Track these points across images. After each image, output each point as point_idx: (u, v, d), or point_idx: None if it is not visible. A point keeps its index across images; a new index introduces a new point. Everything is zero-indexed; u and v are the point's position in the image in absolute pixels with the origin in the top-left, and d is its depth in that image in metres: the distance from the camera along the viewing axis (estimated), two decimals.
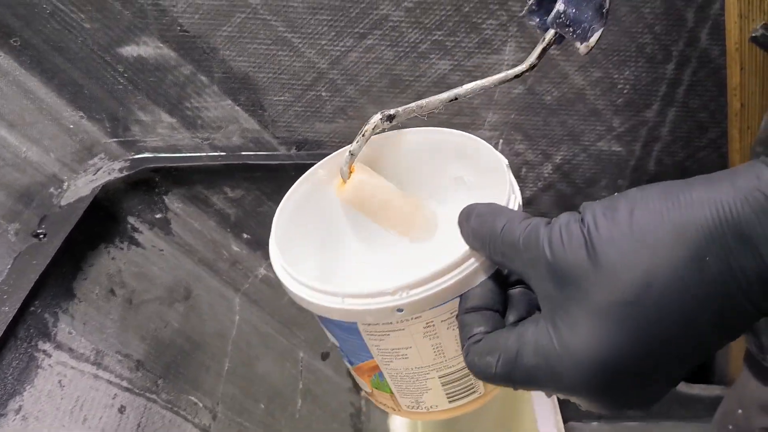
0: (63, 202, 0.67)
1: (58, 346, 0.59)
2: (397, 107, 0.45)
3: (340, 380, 0.93)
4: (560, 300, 0.30)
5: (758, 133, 0.62)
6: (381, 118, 0.45)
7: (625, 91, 0.74)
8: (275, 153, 0.75)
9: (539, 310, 0.32)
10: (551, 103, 0.74)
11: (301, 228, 0.50)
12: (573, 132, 0.76)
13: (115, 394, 0.61)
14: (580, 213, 0.30)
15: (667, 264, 0.27)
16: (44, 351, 0.58)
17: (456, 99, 0.44)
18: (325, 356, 0.92)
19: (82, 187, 0.69)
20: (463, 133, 0.49)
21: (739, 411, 0.65)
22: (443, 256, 0.37)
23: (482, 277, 0.38)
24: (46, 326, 0.59)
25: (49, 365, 0.57)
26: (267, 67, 0.70)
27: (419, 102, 0.45)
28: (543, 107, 0.74)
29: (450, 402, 0.45)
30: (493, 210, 0.35)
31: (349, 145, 0.46)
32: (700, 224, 0.26)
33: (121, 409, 0.61)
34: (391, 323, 0.39)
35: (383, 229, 0.50)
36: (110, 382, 0.62)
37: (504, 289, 0.38)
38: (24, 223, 0.62)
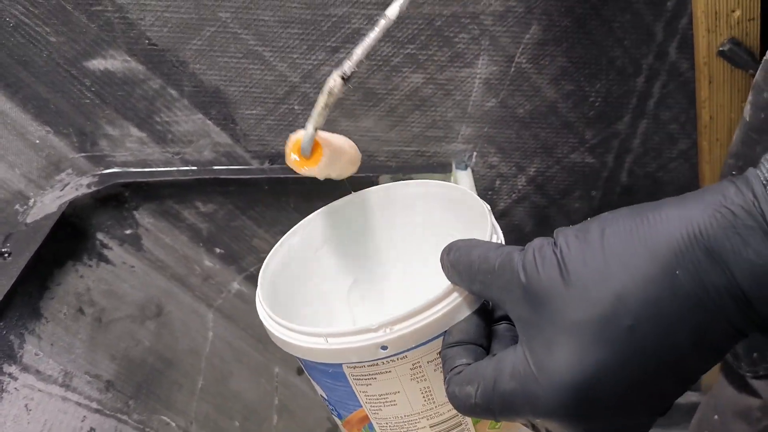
0: (29, 220, 0.66)
1: (25, 369, 0.58)
2: (347, 61, 0.41)
3: (317, 396, 0.92)
4: (535, 322, 0.29)
5: (730, 146, 0.63)
6: (340, 81, 0.41)
7: (597, 104, 0.74)
8: (248, 167, 0.74)
9: None
10: (524, 116, 0.74)
11: (286, 285, 0.50)
12: (546, 144, 0.76)
13: (84, 417, 0.60)
14: (553, 238, 0.30)
15: (640, 279, 0.27)
16: (9, 374, 0.56)
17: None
18: (300, 371, 0.91)
19: (48, 203, 0.68)
20: (446, 183, 0.50)
21: (715, 417, 0.66)
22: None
23: (466, 312, 0.38)
24: (12, 348, 0.58)
25: (15, 389, 0.56)
26: (238, 80, 0.69)
27: (362, 44, 0.41)
28: (516, 120, 0.74)
29: None
30: (471, 243, 0.35)
31: (309, 120, 0.42)
32: (670, 240, 0.26)
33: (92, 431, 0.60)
34: (377, 364, 0.39)
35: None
36: (79, 404, 0.60)
37: (488, 324, 0.37)
38: None
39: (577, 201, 0.81)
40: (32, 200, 0.68)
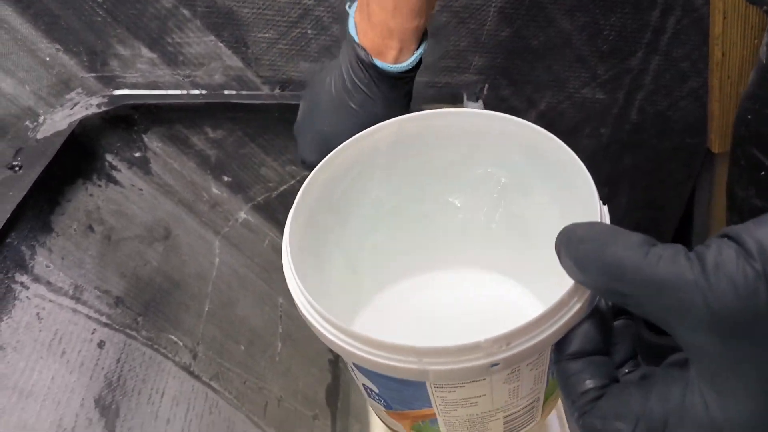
0: (39, 136, 0.66)
1: (36, 279, 0.58)
2: None
3: None
4: (727, 360, 0.23)
5: (745, 89, 0.62)
6: None
7: (611, 38, 0.74)
8: (258, 93, 0.74)
9: (650, 355, 0.28)
10: (538, 47, 0.73)
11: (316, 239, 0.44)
12: (558, 78, 0.76)
13: (94, 329, 0.61)
14: (732, 240, 0.23)
15: None
16: (21, 283, 0.57)
17: None
18: None
19: (58, 121, 0.68)
20: (530, 124, 0.42)
21: None
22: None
23: (584, 314, 0.32)
24: (23, 259, 0.58)
25: (27, 297, 0.56)
26: (251, 1, 0.68)
27: None
28: (530, 51, 0.73)
29: None
30: (600, 233, 0.27)
31: None
32: None
33: (101, 344, 0.61)
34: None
35: None
36: (89, 317, 0.61)
37: (608, 324, 0.32)
38: None
39: (586, 138, 0.81)
40: (42, 117, 0.68)
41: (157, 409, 0.63)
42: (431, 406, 0.37)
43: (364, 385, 0.40)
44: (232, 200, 0.83)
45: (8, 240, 0.57)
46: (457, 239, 0.51)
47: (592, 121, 0.79)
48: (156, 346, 0.66)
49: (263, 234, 0.88)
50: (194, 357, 0.70)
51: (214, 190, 0.82)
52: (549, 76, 0.75)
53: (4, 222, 0.56)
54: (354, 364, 0.37)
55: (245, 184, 0.82)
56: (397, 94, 0.54)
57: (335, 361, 0.93)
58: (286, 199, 0.90)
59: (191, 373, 0.68)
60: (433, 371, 0.32)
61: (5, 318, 0.54)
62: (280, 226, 0.91)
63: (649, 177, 0.89)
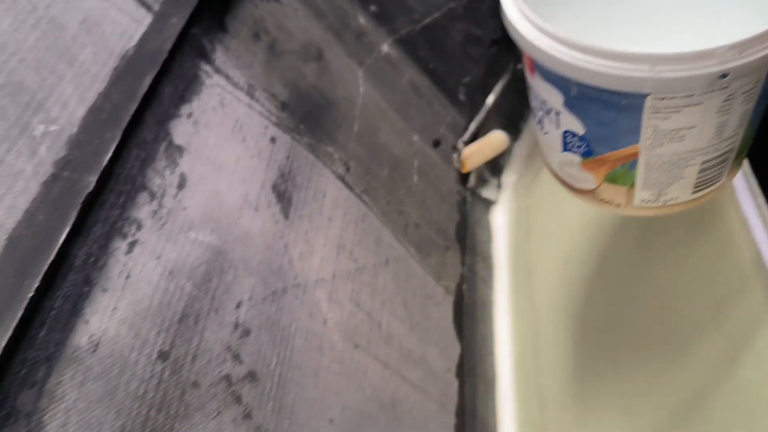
0: None
1: (217, 71, 0.61)
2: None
3: (449, 170, 0.95)
4: None
5: None
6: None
7: None
8: None
9: None
10: None
11: None
12: None
13: (267, 126, 0.64)
14: None
15: None
16: (206, 72, 0.60)
17: None
18: (436, 143, 0.93)
19: None
20: None
21: None
22: None
23: None
24: (205, 51, 0.61)
25: (211, 85, 0.60)
26: None
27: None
28: None
29: (693, 193, 0.42)
30: None
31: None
32: None
33: (273, 140, 0.64)
34: (692, 96, 0.34)
35: None
36: (262, 114, 0.64)
37: None
38: None
39: None
40: None
41: (321, 207, 0.66)
42: (638, 142, 0.39)
43: (566, 131, 0.41)
44: (376, 32, 0.84)
45: (192, 32, 0.60)
46: None
47: None
48: (316, 153, 0.69)
49: (403, 70, 0.89)
50: (347, 170, 0.73)
51: (361, 20, 0.83)
52: None
53: (188, 15, 0.58)
54: (577, 89, 0.38)
55: (391, 14, 0.82)
56: None
57: (462, 202, 0.95)
58: (430, 34, 0.91)
59: (345, 183, 0.71)
60: (663, 80, 0.33)
61: (195, 98, 0.57)
62: (420, 63, 0.92)
63: None
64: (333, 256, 0.65)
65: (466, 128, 0.95)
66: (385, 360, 0.66)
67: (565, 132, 0.42)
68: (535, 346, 0.78)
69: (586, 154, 0.42)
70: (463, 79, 0.95)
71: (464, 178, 0.97)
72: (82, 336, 0.41)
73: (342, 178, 0.71)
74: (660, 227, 0.55)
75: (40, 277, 0.38)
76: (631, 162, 0.40)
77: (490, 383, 0.80)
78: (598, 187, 0.44)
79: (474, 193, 0.97)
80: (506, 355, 0.84)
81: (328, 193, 0.68)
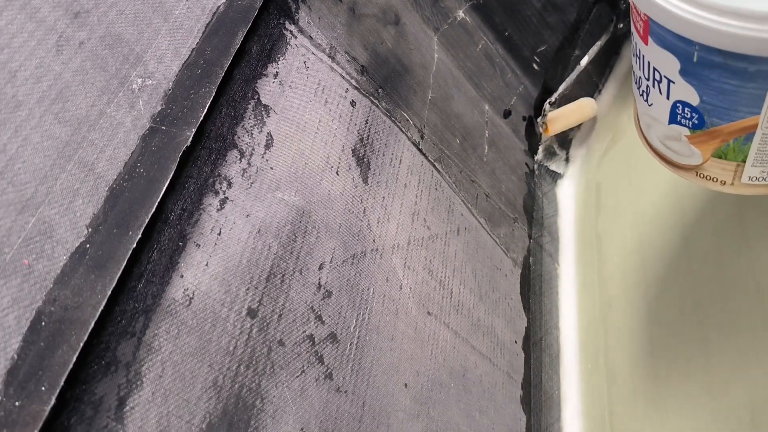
0: None
1: (301, 31, 0.60)
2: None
3: (518, 142, 0.94)
4: None
5: None
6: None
7: None
8: None
9: None
10: None
11: None
12: None
13: (347, 89, 0.63)
14: None
15: None
16: (290, 31, 0.59)
17: None
18: (506, 114, 0.92)
19: None
20: None
21: None
22: None
23: None
24: (290, 10, 0.60)
25: (295, 45, 0.59)
26: None
27: None
28: None
29: None
30: None
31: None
32: None
33: (353, 103, 0.63)
34: None
35: None
36: (342, 77, 0.63)
37: None
38: None
39: None
40: None
41: (397, 173, 0.66)
42: (759, 113, 0.36)
43: (677, 102, 0.39)
44: None
45: None
46: None
47: None
48: (393, 119, 0.68)
49: (478, 37, 0.87)
50: (422, 137, 0.72)
51: None
52: None
53: None
54: (699, 55, 0.36)
55: None
56: None
57: (530, 175, 0.94)
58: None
59: (420, 150, 0.71)
60: None
61: (281, 58, 0.57)
62: (495, 30, 0.90)
63: None
64: (408, 223, 0.64)
65: (545, 94, 0.93)
66: (456, 329, 0.65)
67: (676, 103, 0.40)
68: (604, 321, 0.77)
69: (697, 126, 0.40)
70: (538, 48, 0.93)
71: (533, 149, 0.95)
72: (178, 289, 0.41)
73: (417, 145, 0.70)
74: (760, 205, 0.53)
75: (141, 230, 0.38)
76: (747, 135, 0.39)
77: (555, 357, 0.80)
78: (704, 162, 0.42)
79: (541, 165, 0.95)
80: (571, 329, 0.83)
81: (404, 160, 0.67)
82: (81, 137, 0.40)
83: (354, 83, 0.64)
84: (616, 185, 0.86)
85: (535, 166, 0.95)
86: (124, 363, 0.38)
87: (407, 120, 0.71)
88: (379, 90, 0.68)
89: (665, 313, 0.64)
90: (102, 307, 0.36)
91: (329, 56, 0.63)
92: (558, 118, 0.90)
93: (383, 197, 0.62)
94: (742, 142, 0.39)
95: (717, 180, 0.43)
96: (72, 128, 0.39)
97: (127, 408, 0.37)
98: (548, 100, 0.90)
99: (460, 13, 0.84)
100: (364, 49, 0.68)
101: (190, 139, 0.43)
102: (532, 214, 0.90)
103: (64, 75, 0.40)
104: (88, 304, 0.36)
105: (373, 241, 0.59)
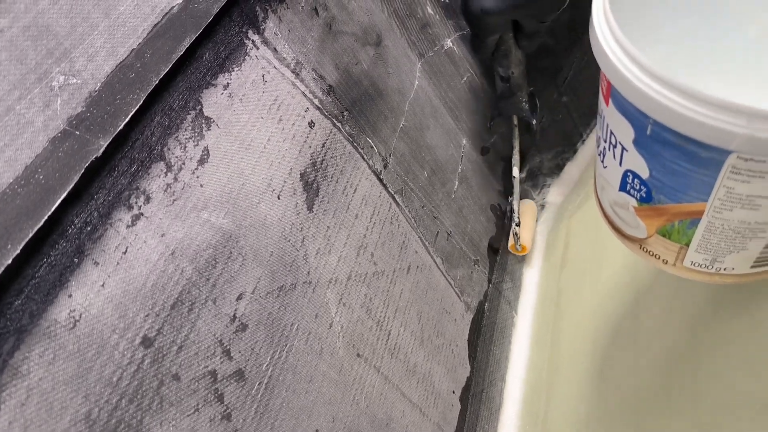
0: None
1: (265, 42, 0.57)
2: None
3: (493, 181, 0.91)
4: None
5: None
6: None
7: None
8: None
9: None
10: None
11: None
12: None
13: (307, 108, 0.60)
14: None
15: None
16: (253, 41, 0.56)
17: None
18: (484, 151, 0.89)
19: None
20: None
21: None
22: None
23: None
24: (256, 19, 0.57)
25: (255, 56, 0.56)
26: None
27: None
28: None
29: (752, 267, 0.37)
30: None
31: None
32: None
33: (311, 124, 0.60)
34: None
35: None
36: (304, 95, 0.60)
37: None
38: None
39: None
40: None
41: (349, 202, 0.62)
42: (706, 200, 0.34)
43: (628, 171, 0.37)
44: (442, 25, 0.80)
45: None
46: None
47: None
48: (355, 144, 0.65)
49: (464, 69, 0.84)
50: (385, 166, 0.69)
51: (429, 10, 0.78)
52: None
53: None
54: (653, 129, 0.33)
55: (460, 9, 0.78)
56: None
57: (501, 217, 0.91)
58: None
59: (380, 180, 0.68)
60: (757, 140, 0.29)
61: (236, 69, 0.54)
62: (482, 65, 0.87)
63: None
64: (352, 257, 0.61)
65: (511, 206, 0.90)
66: (387, 373, 0.62)
67: (627, 171, 0.37)
68: (549, 382, 0.73)
69: (644, 200, 0.38)
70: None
71: (508, 192, 0.92)
72: (62, 310, 0.38)
73: (377, 174, 0.67)
74: (715, 291, 0.50)
75: (23, 243, 0.35)
76: (692, 220, 0.36)
77: (495, 411, 0.76)
78: (648, 237, 0.40)
79: (514, 209, 0.92)
80: (518, 382, 0.80)
81: (360, 189, 0.64)
82: None
83: (317, 103, 0.61)
84: (583, 241, 0.83)
85: (508, 209, 0.92)
86: None
87: (371, 147, 0.67)
88: (345, 113, 0.65)
89: (607, 389, 0.61)
90: None
91: (293, 72, 0.59)
92: (525, 232, 0.88)
93: (328, 227, 0.59)
94: (687, 226, 0.37)
95: (660, 258, 0.41)
96: None
97: None
98: (514, 223, 0.87)
99: (448, 42, 0.81)
100: (335, 68, 0.65)
101: (102, 149, 0.40)
102: (496, 258, 0.87)
103: None
104: None
105: (308, 273, 0.56)
